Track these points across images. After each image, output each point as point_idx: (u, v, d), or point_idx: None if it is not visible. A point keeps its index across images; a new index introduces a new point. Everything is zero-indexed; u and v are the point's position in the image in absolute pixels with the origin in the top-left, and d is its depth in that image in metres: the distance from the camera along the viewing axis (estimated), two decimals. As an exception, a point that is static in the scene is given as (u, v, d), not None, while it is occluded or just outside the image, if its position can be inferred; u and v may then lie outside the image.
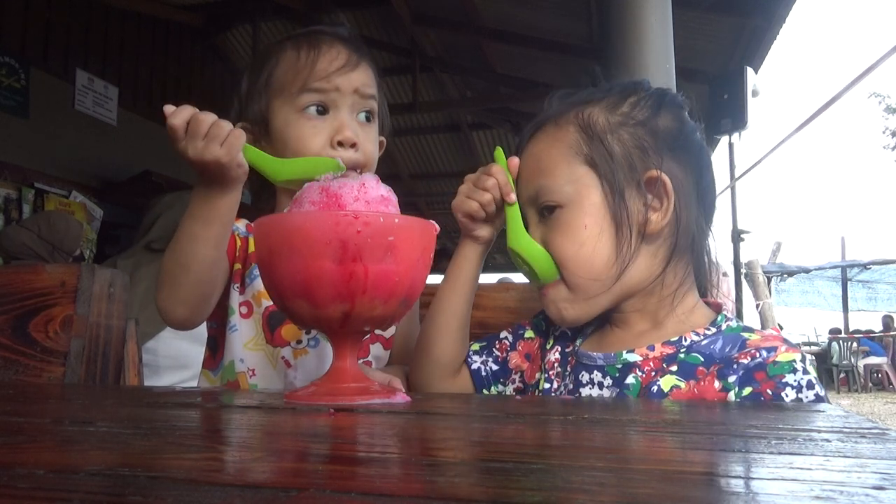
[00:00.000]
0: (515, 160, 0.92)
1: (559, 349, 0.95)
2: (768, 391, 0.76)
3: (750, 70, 4.54)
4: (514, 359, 0.99)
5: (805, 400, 0.75)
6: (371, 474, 0.35)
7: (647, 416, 0.61)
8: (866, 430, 0.48)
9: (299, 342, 1.03)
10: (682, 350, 0.83)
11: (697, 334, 0.84)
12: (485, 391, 0.99)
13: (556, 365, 0.93)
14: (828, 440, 0.45)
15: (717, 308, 0.90)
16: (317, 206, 0.70)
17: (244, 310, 1.03)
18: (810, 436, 0.46)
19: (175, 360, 2.01)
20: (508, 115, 6.68)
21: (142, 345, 1.84)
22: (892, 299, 14.29)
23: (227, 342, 1.02)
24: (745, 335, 0.83)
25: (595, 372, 0.87)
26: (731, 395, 0.77)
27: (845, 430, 0.49)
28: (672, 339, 0.84)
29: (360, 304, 0.66)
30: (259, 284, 1.00)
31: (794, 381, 0.75)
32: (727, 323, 0.86)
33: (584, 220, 0.84)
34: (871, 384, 11.74)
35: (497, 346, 1.01)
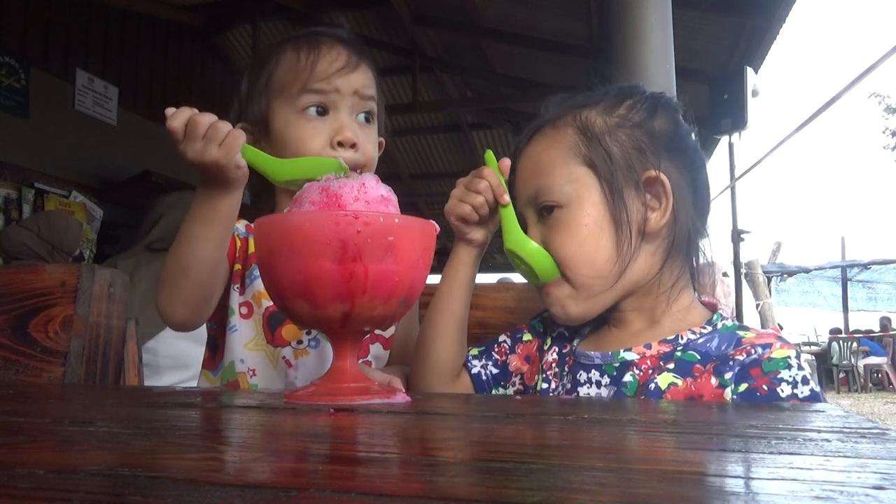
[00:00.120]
0: (507, 161, 0.93)
1: (557, 350, 0.96)
2: (764, 387, 0.77)
3: (750, 70, 4.54)
4: (514, 361, 1.00)
5: (800, 395, 0.76)
6: (371, 474, 0.35)
7: (646, 416, 0.61)
8: (866, 430, 0.48)
9: (300, 342, 1.03)
10: (678, 348, 0.84)
11: (694, 332, 0.85)
12: None
13: (553, 365, 0.94)
14: (828, 440, 0.45)
15: (713, 307, 0.91)
16: (317, 206, 0.70)
17: (244, 310, 1.03)
18: (810, 436, 0.46)
19: (175, 360, 2.01)
20: (508, 115, 6.68)
21: (142, 345, 1.84)
22: (892, 299, 14.29)
23: (226, 342, 1.02)
24: (741, 333, 0.84)
25: (593, 371, 0.88)
26: (728, 392, 0.79)
27: (845, 430, 0.49)
28: (669, 338, 0.86)
29: (360, 304, 0.66)
30: (259, 285, 1.00)
31: (790, 377, 0.77)
32: (722, 322, 0.87)
33: (583, 220, 0.85)
34: (871, 384, 11.74)
35: (496, 350, 1.01)
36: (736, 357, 0.80)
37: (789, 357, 0.79)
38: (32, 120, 4.51)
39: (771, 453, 0.40)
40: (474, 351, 1.01)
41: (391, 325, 0.81)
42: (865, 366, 11.79)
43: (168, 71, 5.67)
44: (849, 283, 14.31)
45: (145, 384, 1.79)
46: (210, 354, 1.07)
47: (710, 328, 0.86)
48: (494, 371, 0.99)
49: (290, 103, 1.02)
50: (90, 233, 4.85)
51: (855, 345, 11.81)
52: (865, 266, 14.05)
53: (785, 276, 13.98)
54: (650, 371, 0.84)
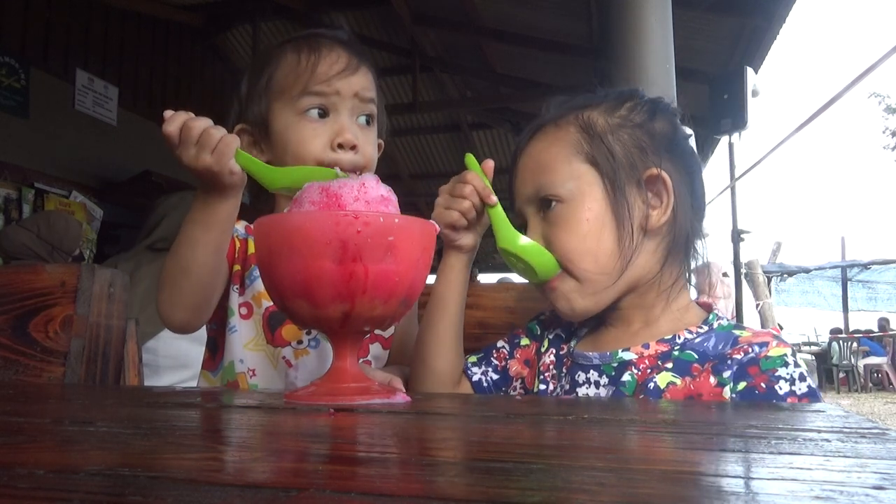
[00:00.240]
0: (490, 162, 0.93)
1: (554, 351, 0.97)
2: (762, 385, 0.79)
3: (750, 70, 4.54)
4: (515, 366, 1.00)
5: (798, 392, 0.78)
6: (371, 474, 0.35)
7: (646, 415, 0.61)
8: (866, 430, 0.48)
9: (300, 342, 1.03)
10: (675, 348, 0.86)
11: (691, 332, 0.87)
12: None
13: (551, 367, 0.95)
14: (828, 440, 0.45)
15: (708, 308, 0.92)
16: (317, 206, 0.70)
17: (244, 311, 1.03)
18: (810, 436, 0.46)
19: (175, 360, 2.01)
20: (508, 115, 6.68)
21: (142, 345, 1.84)
22: (892, 299, 14.29)
23: (226, 343, 1.02)
24: (737, 332, 0.86)
25: (591, 371, 0.89)
26: (727, 391, 0.80)
27: (845, 430, 0.49)
28: (666, 338, 0.87)
29: (360, 304, 0.66)
30: (259, 285, 1.00)
31: (787, 374, 0.79)
32: (718, 321, 0.88)
33: (584, 215, 0.86)
34: (871, 384, 11.73)
35: (495, 356, 1.01)
36: (734, 356, 0.82)
37: (785, 355, 0.80)
38: (32, 120, 4.51)
39: (771, 453, 0.40)
40: (473, 358, 1.01)
41: (391, 325, 0.82)
42: (865, 366, 11.79)
43: (168, 71, 5.67)
44: (849, 283, 14.31)
45: (145, 384, 1.79)
46: (210, 355, 1.07)
47: (706, 328, 0.87)
48: (495, 377, 0.99)
49: (291, 105, 1.02)
50: (90, 233, 4.85)
51: (855, 345, 11.81)
52: (865, 266, 14.05)
53: (785, 276, 13.98)
54: (649, 371, 0.85)
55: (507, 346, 1.02)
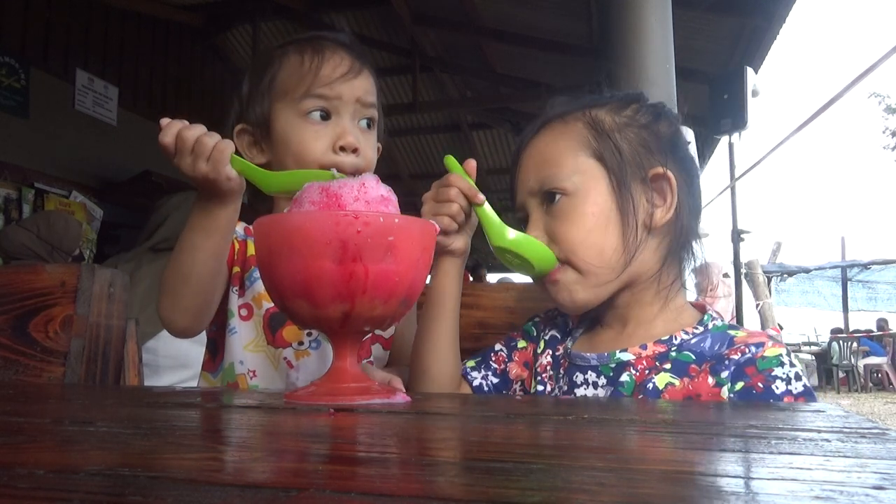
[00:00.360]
0: (472, 162, 0.92)
1: (550, 352, 0.97)
2: (759, 384, 0.79)
3: (750, 70, 4.54)
4: (514, 369, 1.00)
5: (794, 391, 0.79)
6: (371, 474, 0.35)
7: (646, 416, 0.61)
8: (866, 430, 0.48)
9: (301, 343, 1.03)
10: (672, 348, 0.86)
11: (687, 333, 0.87)
12: None
13: (548, 368, 0.95)
14: (828, 440, 0.45)
15: (702, 308, 0.93)
16: (317, 206, 0.70)
17: (244, 312, 1.03)
18: (810, 436, 0.46)
19: (175, 360, 2.01)
20: (508, 115, 6.69)
21: (142, 345, 1.84)
22: (892, 299, 14.28)
23: (226, 344, 1.02)
24: (732, 333, 0.87)
25: (589, 372, 0.89)
26: (725, 391, 0.81)
27: (845, 430, 0.49)
28: (663, 338, 0.87)
29: (360, 304, 0.66)
30: (260, 287, 1.00)
31: (783, 373, 0.80)
32: (713, 322, 0.89)
33: (589, 209, 0.87)
34: (871, 384, 11.73)
35: (493, 359, 1.01)
36: (731, 356, 0.82)
37: (781, 355, 0.81)
38: (32, 120, 4.51)
39: (771, 453, 0.40)
40: (471, 363, 1.01)
41: (391, 325, 0.81)
42: (865, 366, 11.79)
43: (168, 71, 5.66)
44: (849, 283, 14.30)
45: (145, 384, 1.79)
46: (210, 356, 1.07)
47: (701, 328, 0.88)
48: (495, 380, 0.99)
49: (293, 107, 1.02)
50: (90, 233, 4.85)
51: (855, 345, 11.80)
52: (865, 266, 14.04)
53: (785, 276, 13.98)
54: (647, 371, 0.85)
55: (504, 349, 1.02)
